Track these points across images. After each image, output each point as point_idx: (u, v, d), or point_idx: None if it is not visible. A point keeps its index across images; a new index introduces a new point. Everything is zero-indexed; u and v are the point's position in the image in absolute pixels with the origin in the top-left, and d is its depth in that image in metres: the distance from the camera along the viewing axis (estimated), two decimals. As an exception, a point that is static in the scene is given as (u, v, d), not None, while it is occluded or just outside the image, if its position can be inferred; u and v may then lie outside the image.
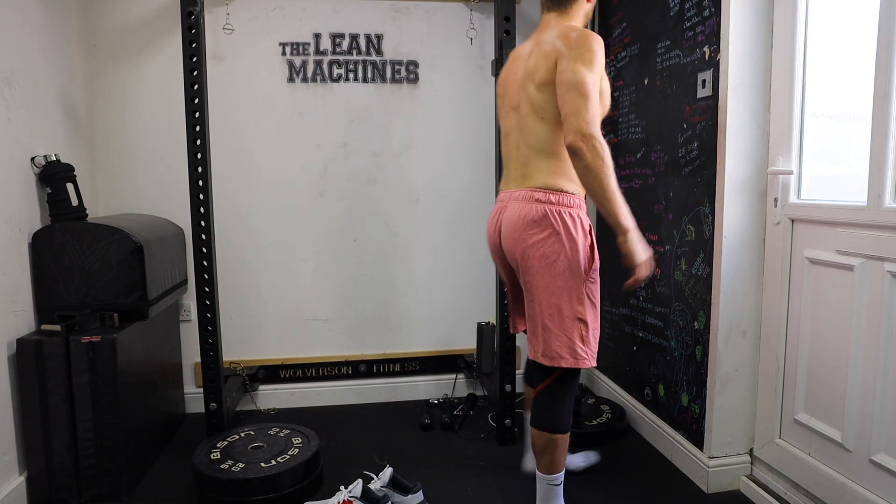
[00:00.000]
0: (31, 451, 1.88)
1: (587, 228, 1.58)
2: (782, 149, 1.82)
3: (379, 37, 2.67)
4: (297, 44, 2.62)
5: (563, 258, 1.54)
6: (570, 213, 1.56)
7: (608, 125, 2.69)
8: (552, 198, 1.56)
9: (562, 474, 1.67)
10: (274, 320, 2.74)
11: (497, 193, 2.27)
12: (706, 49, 1.94)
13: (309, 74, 2.64)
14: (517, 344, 2.56)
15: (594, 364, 1.61)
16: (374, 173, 2.72)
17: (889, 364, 1.49)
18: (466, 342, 2.87)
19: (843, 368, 1.63)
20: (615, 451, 2.28)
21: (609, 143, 2.69)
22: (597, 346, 1.62)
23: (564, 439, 1.63)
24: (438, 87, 2.74)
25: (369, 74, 2.68)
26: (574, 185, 1.58)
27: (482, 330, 2.59)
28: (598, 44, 1.48)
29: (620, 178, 2.57)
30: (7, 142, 1.86)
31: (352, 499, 1.77)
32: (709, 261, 1.96)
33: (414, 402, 2.80)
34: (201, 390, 2.38)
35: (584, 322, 1.56)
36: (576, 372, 1.64)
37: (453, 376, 2.88)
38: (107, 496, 1.93)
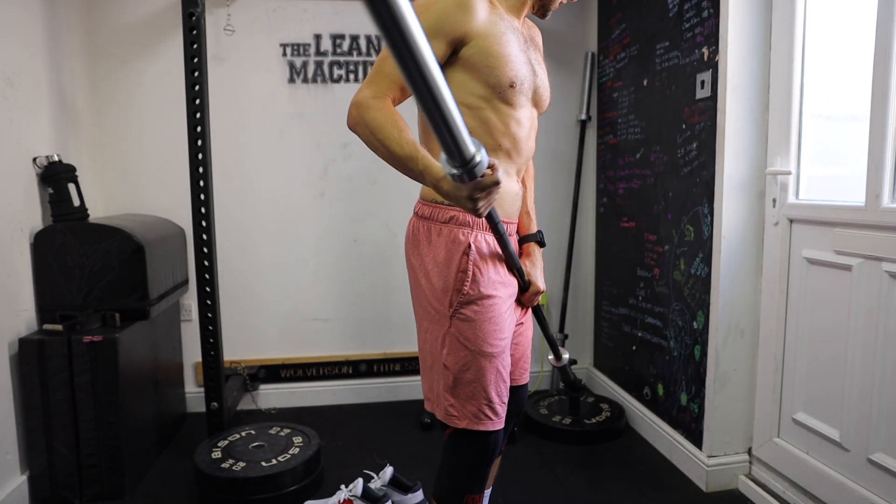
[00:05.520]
0: (33, 450, 1.88)
1: (463, 248, 1.19)
2: (780, 149, 1.83)
3: (379, 38, 2.68)
4: (298, 45, 2.63)
5: (425, 285, 1.23)
6: (438, 229, 1.22)
7: (607, 126, 2.70)
8: (423, 209, 1.26)
9: None
10: (274, 320, 2.75)
11: None
12: (705, 50, 1.95)
13: (309, 75, 2.65)
14: (517, 344, 2.56)
15: (483, 428, 1.20)
16: (375, 173, 2.73)
17: (887, 363, 1.50)
18: (466, 342, 2.87)
19: (841, 368, 1.63)
20: (614, 450, 2.29)
21: (608, 143, 2.70)
22: (495, 404, 1.21)
23: None
24: (438, 88, 2.75)
25: (370, 75, 2.69)
26: None
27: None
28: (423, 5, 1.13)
29: (620, 179, 2.58)
30: (9, 142, 1.87)
31: (352, 497, 1.78)
32: (707, 261, 1.96)
33: (414, 401, 2.80)
34: (202, 390, 2.39)
35: (448, 369, 1.21)
36: (466, 437, 1.22)
37: (453, 376, 2.88)
38: (108, 495, 1.94)
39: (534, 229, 1.45)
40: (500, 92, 1.17)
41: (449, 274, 1.19)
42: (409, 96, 1.16)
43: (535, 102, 1.29)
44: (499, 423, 1.22)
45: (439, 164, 1.01)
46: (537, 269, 1.40)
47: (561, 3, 1.31)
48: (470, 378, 1.19)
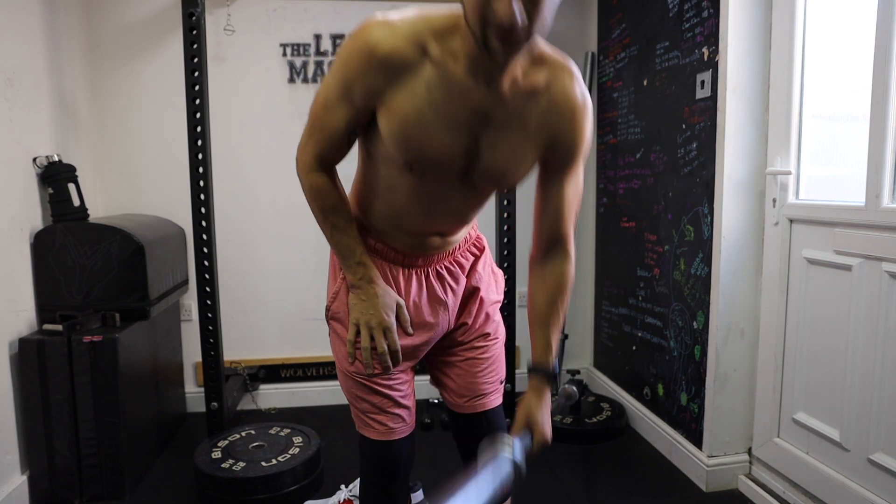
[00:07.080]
0: (32, 450, 1.88)
1: (342, 273, 1.15)
2: (781, 149, 1.83)
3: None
4: (298, 45, 2.63)
5: None
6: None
7: (607, 126, 2.70)
8: None
9: None
10: (274, 320, 2.75)
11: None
12: (705, 50, 1.95)
13: (310, 75, 2.65)
14: (517, 343, 2.56)
15: (366, 434, 1.17)
16: (375, 173, 2.73)
17: (887, 363, 1.50)
18: (466, 342, 2.87)
19: (841, 368, 1.63)
20: (614, 450, 2.29)
21: (608, 143, 2.70)
22: (371, 414, 1.15)
23: None
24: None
25: (369, 75, 2.69)
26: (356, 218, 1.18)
27: (482, 330, 2.58)
28: (346, 48, 0.95)
29: (620, 179, 2.58)
30: (9, 142, 1.87)
31: (352, 497, 1.78)
32: (708, 261, 1.96)
33: (414, 401, 2.80)
34: (202, 390, 2.39)
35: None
36: (361, 440, 1.19)
37: (453, 376, 2.88)
38: (108, 495, 1.94)
39: (550, 359, 1.09)
40: (398, 160, 1.00)
41: (331, 283, 1.21)
42: (349, 150, 1.11)
43: (475, 184, 1.03)
44: (387, 434, 1.15)
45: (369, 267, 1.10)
46: (543, 411, 1.08)
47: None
48: (344, 386, 1.21)
